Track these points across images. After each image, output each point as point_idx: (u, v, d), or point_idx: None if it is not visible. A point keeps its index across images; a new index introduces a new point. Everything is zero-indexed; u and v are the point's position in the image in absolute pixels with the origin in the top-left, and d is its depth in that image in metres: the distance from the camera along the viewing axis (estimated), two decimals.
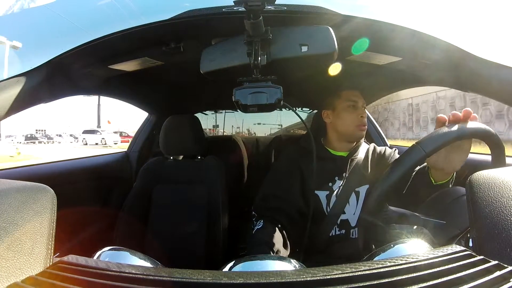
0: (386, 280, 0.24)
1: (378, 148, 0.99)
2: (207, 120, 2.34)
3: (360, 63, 0.87)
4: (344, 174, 0.91)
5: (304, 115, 1.96)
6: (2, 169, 1.04)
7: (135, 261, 0.35)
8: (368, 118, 1.59)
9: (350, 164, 0.92)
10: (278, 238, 0.77)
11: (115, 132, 21.71)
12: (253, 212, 0.91)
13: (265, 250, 0.71)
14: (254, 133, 2.57)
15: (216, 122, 2.42)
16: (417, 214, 0.50)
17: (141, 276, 0.26)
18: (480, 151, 0.98)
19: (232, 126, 2.47)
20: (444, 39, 0.59)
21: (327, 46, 0.52)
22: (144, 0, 0.73)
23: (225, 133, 2.41)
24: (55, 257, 0.29)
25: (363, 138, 0.97)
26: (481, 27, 0.65)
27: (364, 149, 0.97)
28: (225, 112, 2.32)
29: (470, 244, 0.34)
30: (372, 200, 0.45)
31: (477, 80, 0.61)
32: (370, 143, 1.04)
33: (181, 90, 1.45)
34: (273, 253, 0.72)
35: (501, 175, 0.33)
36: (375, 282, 0.24)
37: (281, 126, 2.41)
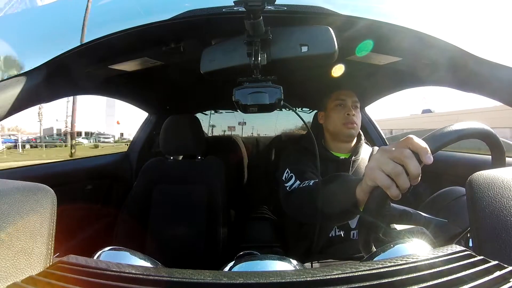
0: (386, 280, 0.24)
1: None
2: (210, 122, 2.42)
3: (360, 63, 0.87)
4: None
5: (304, 115, 1.96)
6: (2, 169, 1.04)
7: (135, 261, 0.35)
8: (369, 119, 1.58)
9: (352, 165, 0.91)
10: None
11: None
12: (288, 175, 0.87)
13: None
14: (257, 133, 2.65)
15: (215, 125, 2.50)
16: (419, 212, 0.50)
17: (141, 276, 0.26)
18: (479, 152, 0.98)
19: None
20: (444, 39, 0.59)
21: (327, 46, 0.52)
22: (144, 0, 0.73)
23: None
24: (55, 257, 0.29)
25: (362, 139, 0.97)
26: (481, 27, 0.65)
27: (366, 151, 0.97)
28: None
29: (470, 244, 0.34)
30: (372, 200, 0.45)
31: (477, 80, 0.61)
32: (372, 146, 1.04)
33: (181, 90, 1.45)
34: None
35: (501, 175, 0.33)
36: (375, 282, 0.24)
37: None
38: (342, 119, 0.90)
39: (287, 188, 0.82)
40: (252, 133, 2.63)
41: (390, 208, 0.46)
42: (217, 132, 2.48)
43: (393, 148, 0.42)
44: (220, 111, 2.25)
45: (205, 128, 2.42)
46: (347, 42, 0.66)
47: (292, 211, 0.82)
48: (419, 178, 0.39)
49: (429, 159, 0.39)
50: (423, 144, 0.40)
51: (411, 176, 0.39)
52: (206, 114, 2.25)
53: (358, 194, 0.49)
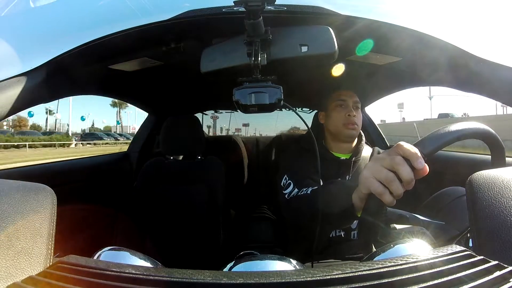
0: (386, 280, 0.24)
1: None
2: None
3: (360, 63, 0.87)
4: (347, 177, 0.90)
5: (304, 115, 1.96)
6: (2, 169, 1.04)
7: (135, 261, 0.35)
8: (369, 119, 1.58)
9: (353, 166, 0.91)
10: None
11: None
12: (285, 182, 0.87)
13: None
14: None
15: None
16: (416, 215, 0.50)
17: (141, 276, 0.26)
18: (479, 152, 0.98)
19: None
20: (444, 39, 0.59)
21: (327, 46, 0.52)
22: (144, 0, 0.73)
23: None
24: (55, 257, 0.29)
25: (363, 139, 0.97)
26: (481, 27, 0.65)
27: (367, 152, 0.96)
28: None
29: (470, 244, 0.34)
30: (368, 207, 0.45)
31: (477, 80, 0.61)
32: (373, 146, 1.04)
33: (181, 90, 1.45)
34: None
35: (501, 175, 0.33)
36: (375, 282, 0.24)
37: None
38: (343, 120, 0.90)
39: (285, 196, 0.83)
40: (255, 133, 2.72)
41: (386, 213, 0.46)
42: (230, 132, 2.59)
43: (385, 156, 0.43)
44: (221, 111, 2.25)
45: (220, 129, 2.54)
46: (347, 42, 0.66)
47: (291, 216, 0.82)
48: (413, 183, 0.40)
49: (420, 164, 0.39)
50: (413, 149, 0.40)
51: (403, 182, 0.40)
52: (206, 114, 2.26)
53: (354, 200, 0.50)
